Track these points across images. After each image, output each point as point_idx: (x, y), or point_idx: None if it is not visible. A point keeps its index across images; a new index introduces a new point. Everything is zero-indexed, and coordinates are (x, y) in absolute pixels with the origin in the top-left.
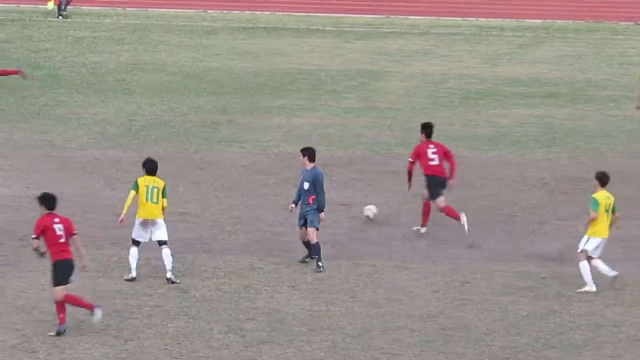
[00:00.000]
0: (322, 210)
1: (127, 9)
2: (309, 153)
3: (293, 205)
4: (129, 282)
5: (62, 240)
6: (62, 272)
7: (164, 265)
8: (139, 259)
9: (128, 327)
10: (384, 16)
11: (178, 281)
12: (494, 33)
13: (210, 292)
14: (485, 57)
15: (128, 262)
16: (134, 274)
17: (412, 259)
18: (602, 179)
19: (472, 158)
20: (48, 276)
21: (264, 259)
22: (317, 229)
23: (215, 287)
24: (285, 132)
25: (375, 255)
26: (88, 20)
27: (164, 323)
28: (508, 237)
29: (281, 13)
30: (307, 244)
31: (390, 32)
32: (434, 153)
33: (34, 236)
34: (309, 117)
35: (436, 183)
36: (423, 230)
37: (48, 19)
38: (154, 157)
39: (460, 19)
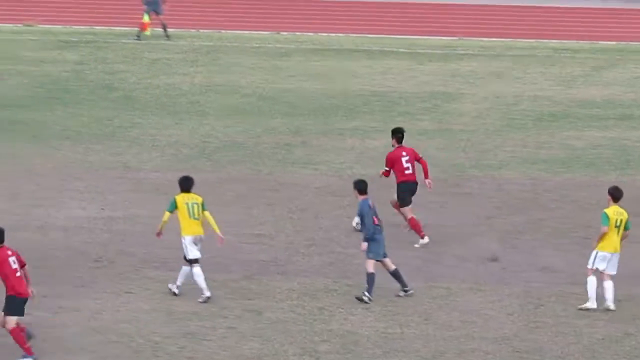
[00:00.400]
0: (366, 240)
1: (201, 30)
2: (358, 186)
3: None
4: (203, 304)
5: (18, 273)
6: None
7: (178, 280)
8: (205, 277)
9: (203, 349)
10: (457, 38)
11: (208, 294)
12: (567, 55)
13: (284, 314)
14: (559, 79)
15: (197, 284)
16: (207, 293)
17: (485, 281)
18: (615, 194)
19: (546, 180)
20: (123, 298)
21: (338, 281)
22: (369, 259)
23: (290, 309)
24: (358, 153)
25: (449, 277)
26: (162, 42)
27: (239, 345)
28: (582, 259)
29: (354, 35)
30: (393, 273)
31: (463, 54)
32: (407, 161)
33: None
34: (383, 139)
35: (409, 189)
36: (425, 241)
37: (122, 41)
38: (227, 178)
39: (535, 41)
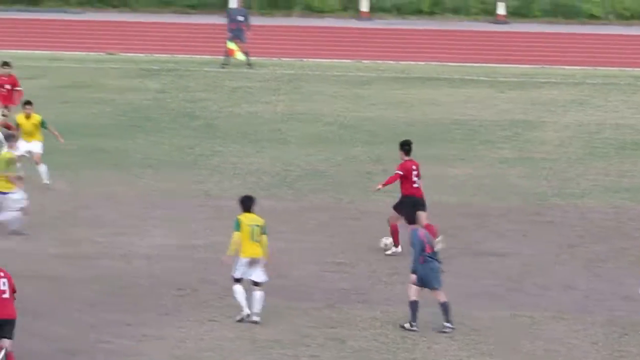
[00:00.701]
0: (414, 272)
1: (283, 59)
2: (407, 217)
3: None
4: (285, 332)
5: (5, 295)
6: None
7: (252, 305)
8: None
9: None
10: (538, 66)
11: (258, 319)
12: None
13: (367, 342)
14: None
15: (237, 301)
16: (246, 311)
17: (569, 310)
18: None
19: (630, 209)
20: (207, 326)
21: (420, 309)
22: (413, 284)
23: (373, 338)
24: (439, 181)
25: (532, 306)
26: (244, 70)
27: None
28: None
29: (435, 63)
30: (442, 305)
31: (544, 82)
32: (415, 175)
33: None
34: (464, 167)
35: (414, 202)
36: (397, 250)
37: (204, 69)
38: (309, 207)
39: (616, 69)
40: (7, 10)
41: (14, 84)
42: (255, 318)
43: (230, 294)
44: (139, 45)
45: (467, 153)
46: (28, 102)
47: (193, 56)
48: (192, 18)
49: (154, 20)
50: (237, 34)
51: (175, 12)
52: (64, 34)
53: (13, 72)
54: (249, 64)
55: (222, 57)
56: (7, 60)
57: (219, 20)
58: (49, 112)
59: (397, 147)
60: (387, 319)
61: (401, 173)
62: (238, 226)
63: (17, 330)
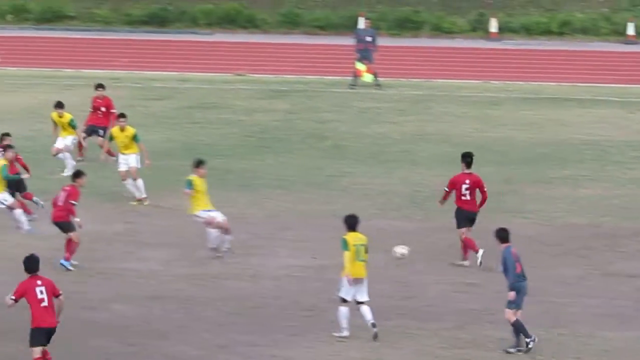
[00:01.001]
0: (512, 289)
1: (411, 79)
2: (499, 235)
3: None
4: (415, 353)
5: (44, 304)
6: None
7: (365, 318)
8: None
9: None
10: None
11: (346, 334)
12: None
13: None
14: None
15: (339, 322)
16: (345, 333)
17: None
18: None
19: None
20: (336, 347)
21: (549, 330)
22: (509, 309)
23: (501, 359)
24: (570, 202)
25: None
26: (373, 90)
27: None
28: None
29: (565, 84)
30: (514, 324)
31: None
32: (467, 189)
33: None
34: (595, 187)
35: (463, 216)
36: (466, 263)
37: (333, 89)
38: (438, 227)
39: None
40: (136, 32)
41: (109, 107)
42: (374, 330)
43: (359, 314)
44: (267, 66)
45: (598, 173)
46: (122, 115)
47: (322, 77)
48: (321, 39)
49: (282, 42)
50: (365, 55)
51: (304, 32)
52: (192, 55)
53: (107, 94)
54: (378, 85)
55: (350, 78)
56: (102, 82)
57: (348, 41)
58: (177, 133)
59: (528, 168)
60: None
61: (447, 190)
62: (346, 246)
63: (148, 351)
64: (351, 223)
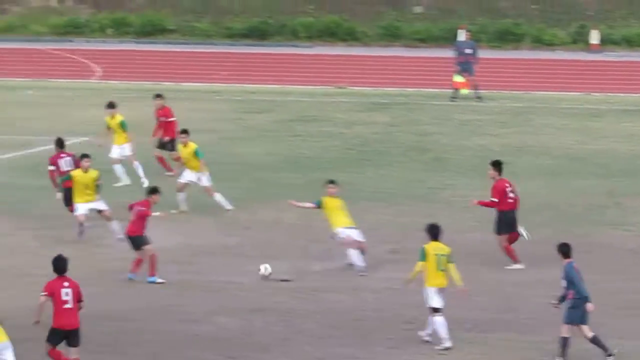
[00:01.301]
0: (586, 302)
1: (511, 91)
2: (562, 250)
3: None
4: None
5: (67, 305)
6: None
7: (428, 329)
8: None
9: None
10: None
11: (448, 345)
12: None
13: None
14: None
15: (437, 333)
16: (447, 344)
17: None
18: None
19: None
20: None
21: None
22: (566, 324)
23: None
24: None
25: None
26: (473, 103)
27: None
28: None
29: None
30: (592, 340)
31: None
32: (511, 191)
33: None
34: None
35: (510, 218)
36: (519, 266)
37: (433, 102)
38: (540, 240)
39: None
40: (236, 45)
41: (167, 115)
42: (426, 337)
43: (459, 327)
44: (368, 79)
45: None
46: (184, 131)
47: (422, 89)
48: (422, 51)
49: (383, 54)
50: (465, 67)
51: (404, 45)
52: (293, 68)
53: (166, 103)
54: (479, 97)
55: (450, 90)
56: (160, 92)
57: (448, 53)
58: (278, 146)
59: (629, 180)
60: (618, 354)
61: (496, 200)
62: (423, 256)
63: None
64: (433, 232)
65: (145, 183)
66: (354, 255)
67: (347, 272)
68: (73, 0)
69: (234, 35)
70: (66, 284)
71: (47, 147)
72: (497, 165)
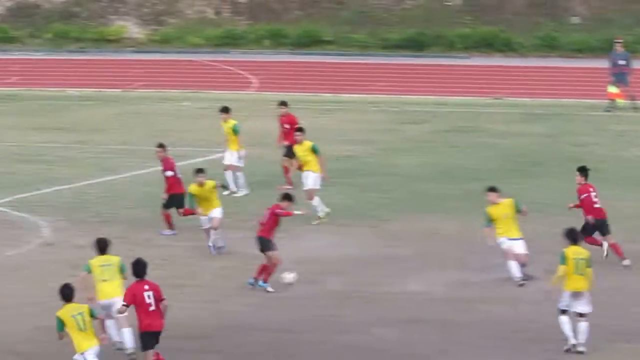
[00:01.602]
0: None
1: None
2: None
3: None
4: None
5: (152, 308)
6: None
7: (577, 336)
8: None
9: None
10: None
11: (583, 349)
12: None
13: None
14: None
15: (563, 331)
16: (572, 341)
17: None
18: None
19: None
20: None
21: None
22: None
23: None
24: None
25: None
26: (630, 113)
27: None
28: None
29: None
30: None
31: None
32: (595, 196)
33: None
34: None
35: (597, 224)
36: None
37: (589, 113)
38: None
39: None
40: (393, 56)
41: (292, 123)
42: (580, 348)
43: (620, 339)
44: (524, 90)
45: None
46: (299, 129)
47: (579, 100)
48: (578, 62)
49: (539, 65)
50: (620, 78)
51: (561, 56)
52: (449, 79)
53: (290, 111)
54: (635, 108)
55: (606, 101)
56: (285, 100)
57: (604, 64)
58: (433, 157)
59: None
60: None
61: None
62: (564, 260)
63: None
64: (573, 237)
65: (241, 193)
66: (513, 267)
67: (504, 283)
68: (230, 11)
69: (390, 47)
70: (147, 287)
71: (204, 159)
72: (582, 171)
